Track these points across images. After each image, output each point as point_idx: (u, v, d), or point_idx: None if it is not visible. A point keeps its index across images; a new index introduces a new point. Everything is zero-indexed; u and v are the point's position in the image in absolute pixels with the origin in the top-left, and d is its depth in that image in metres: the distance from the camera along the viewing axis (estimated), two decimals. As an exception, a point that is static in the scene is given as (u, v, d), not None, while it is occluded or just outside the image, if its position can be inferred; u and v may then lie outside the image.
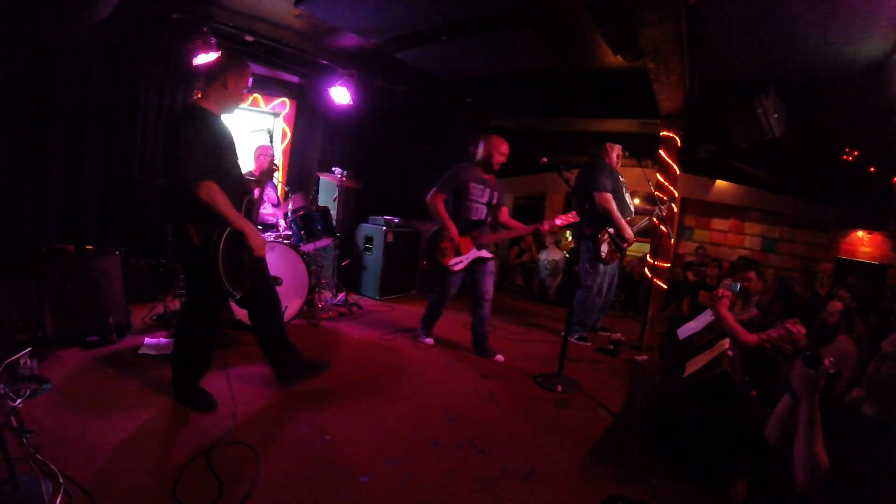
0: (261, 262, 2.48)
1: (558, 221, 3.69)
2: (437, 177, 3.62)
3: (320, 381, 2.98)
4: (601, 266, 4.22)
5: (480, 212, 3.64)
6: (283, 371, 2.69)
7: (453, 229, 3.48)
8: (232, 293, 2.25)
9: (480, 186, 3.61)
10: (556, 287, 6.47)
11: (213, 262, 2.14)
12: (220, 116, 2.32)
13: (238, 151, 2.40)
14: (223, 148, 2.25)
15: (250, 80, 2.40)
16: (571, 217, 3.71)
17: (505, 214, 3.82)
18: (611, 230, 4.09)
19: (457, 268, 3.54)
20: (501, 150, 3.61)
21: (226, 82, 2.28)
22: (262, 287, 2.53)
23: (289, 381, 2.69)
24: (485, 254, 3.63)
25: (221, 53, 2.51)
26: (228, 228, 2.17)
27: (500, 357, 3.72)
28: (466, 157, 3.73)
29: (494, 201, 3.70)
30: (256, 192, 2.54)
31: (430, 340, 3.89)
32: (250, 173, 4.45)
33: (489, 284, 3.70)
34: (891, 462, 1.29)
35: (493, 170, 3.65)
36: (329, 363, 2.76)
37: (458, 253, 3.53)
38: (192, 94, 4.72)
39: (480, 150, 3.65)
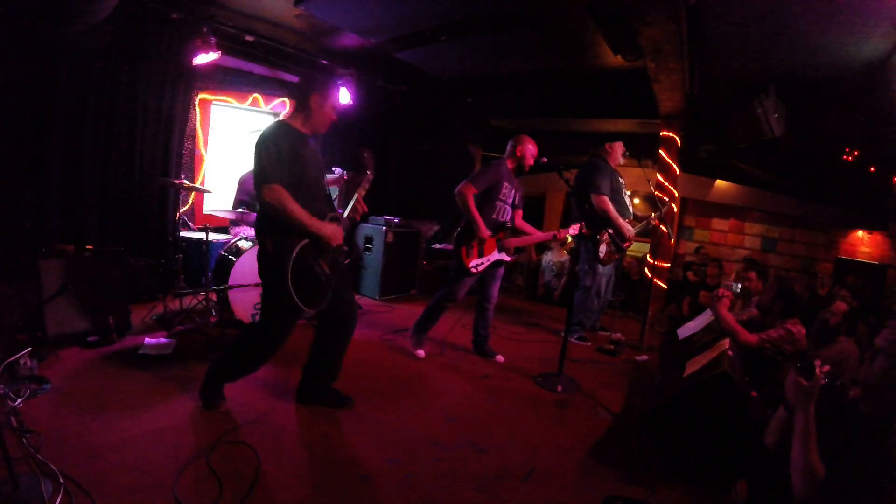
0: (343, 281, 2.46)
1: (572, 231, 3.65)
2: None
3: (320, 381, 2.99)
4: (599, 266, 4.21)
5: (506, 213, 3.52)
6: (311, 391, 2.62)
7: (485, 228, 3.31)
8: (302, 308, 2.17)
9: (510, 186, 3.49)
10: (562, 288, 6.46)
11: (282, 274, 2.10)
12: (306, 134, 2.33)
13: (319, 171, 2.42)
14: (304, 164, 2.24)
15: (337, 100, 2.42)
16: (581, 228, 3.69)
17: (520, 218, 3.70)
18: (610, 231, 4.09)
19: (479, 269, 3.38)
20: (533, 153, 3.49)
21: (309, 105, 2.31)
22: (340, 306, 2.47)
23: (308, 401, 2.63)
24: (505, 257, 3.53)
25: (305, 74, 2.45)
26: (305, 240, 2.15)
27: (500, 357, 3.70)
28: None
29: (517, 202, 3.60)
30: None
31: (421, 352, 3.59)
32: (252, 172, 4.47)
33: (497, 289, 3.66)
34: (887, 461, 1.29)
35: (524, 171, 3.56)
36: (353, 401, 2.66)
37: (481, 254, 3.39)
38: (193, 93, 4.74)
39: (516, 150, 3.50)
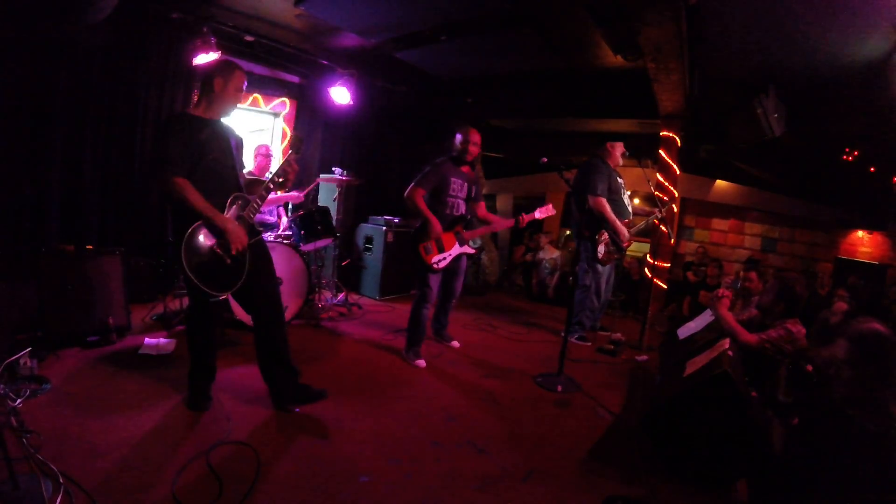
0: (260, 265, 2.45)
1: (538, 214, 3.72)
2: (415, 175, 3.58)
3: (320, 382, 2.98)
4: (598, 266, 4.22)
5: (459, 207, 3.57)
6: (278, 393, 2.57)
7: (437, 225, 3.37)
8: (207, 291, 2.19)
9: (460, 181, 3.54)
10: (554, 286, 6.47)
11: (179, 258, 2.14)
12: (207, 119, 2.33)
13: (235, 153, 2.42)
14: (204, 148, 2.26)
15: (242, 82, 2.41)
16: (550, 210, 3.78)
17: (483, 209, 3.77)
18: (608, 231, 4.10)
19: (441, 265, 3.42)
20: (475, 140, 3.52)
21: (212, 87, 2.33)
22: (259, 291, 2.47)
23: (283, 404, 2.56)
24: (467, 249, 3.58)
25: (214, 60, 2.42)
26: (197, 223, 2.16)
27: (455, 343, 3.90)
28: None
29: (473, 195, 3.64)
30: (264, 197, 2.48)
31: (422, 362, 3.45)
32: (251, 173, 4.47)
33: (460, 284, 3.74)
34: (879, 465, 1.30)
35: (468, 161, 3.58)
36: (326, 393, 2.62)
37: (441, 250, 3.43)
38: (193, 93, 4.73)
39: (456, 143, 3.56)
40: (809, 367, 1.57)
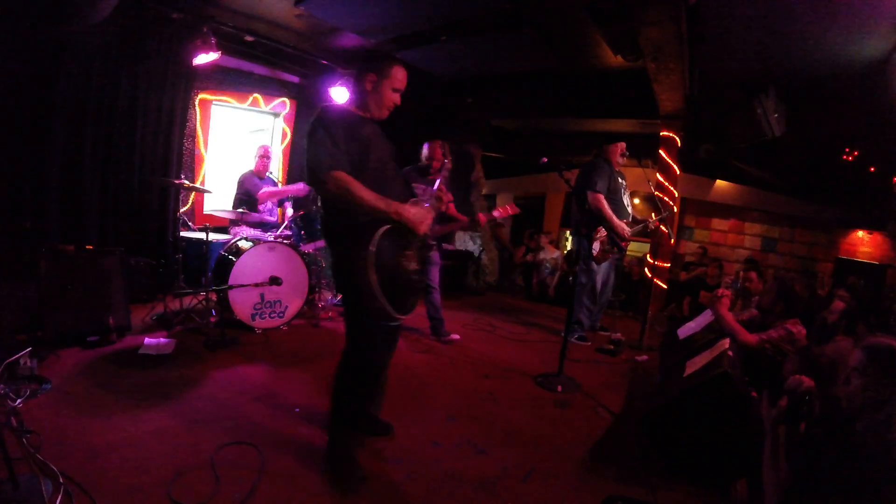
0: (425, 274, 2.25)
1: (496, 214, 3.82)
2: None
3: (320, 382, 2.98)
4: (594, 264, 4.22)
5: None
6: (345, 416, 2.23)
7: None
8: (392, 314, 1.78)
9: (421, 187, 3.54)
10: (554, 286, 6.47)
11: (362, 273, 1.72)
12: (367, 117, 2.07)
13: (389, 161, 2.08)
14: (368, 146, 1.96)
15: (401, 81, 2.14)
16: (510, 209, 3.89)
17: (451, 208, 3.85)
18: (606, 228, 4.10)
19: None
20: (437, 156, 3.69)
21: (364, 85, 2.07)
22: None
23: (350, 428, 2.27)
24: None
25: (367, 53, 2.13)
26: (385, 226, 1.79)
27: (455, 336, 4.03)
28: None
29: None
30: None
31: (456, 336, 4.00)
32: (251, 173, 4.47)
33: (435, 273, 3.93)
34: (879, 466, 1.30)
35: (430, 171, 3.70)
36: (391, 429, 2.39)
37: None
38: (193, 93, 4.73)
39: (421, 155, 3.80)
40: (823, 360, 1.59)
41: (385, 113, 2.12)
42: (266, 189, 4.33)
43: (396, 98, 2.14)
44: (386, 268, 1.76)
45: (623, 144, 4.36)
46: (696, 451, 2.27)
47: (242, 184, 4.41)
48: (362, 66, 2.10)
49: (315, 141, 1.86)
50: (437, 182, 2.22)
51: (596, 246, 4.11)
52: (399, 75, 2.12)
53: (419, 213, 1.88)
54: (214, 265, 3.88)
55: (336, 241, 1.96)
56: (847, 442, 1.41)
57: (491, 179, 7.82)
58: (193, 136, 4.91)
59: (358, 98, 2.11)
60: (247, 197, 4.34)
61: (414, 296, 1.98)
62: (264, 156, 4.49)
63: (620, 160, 4.37)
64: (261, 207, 4.38)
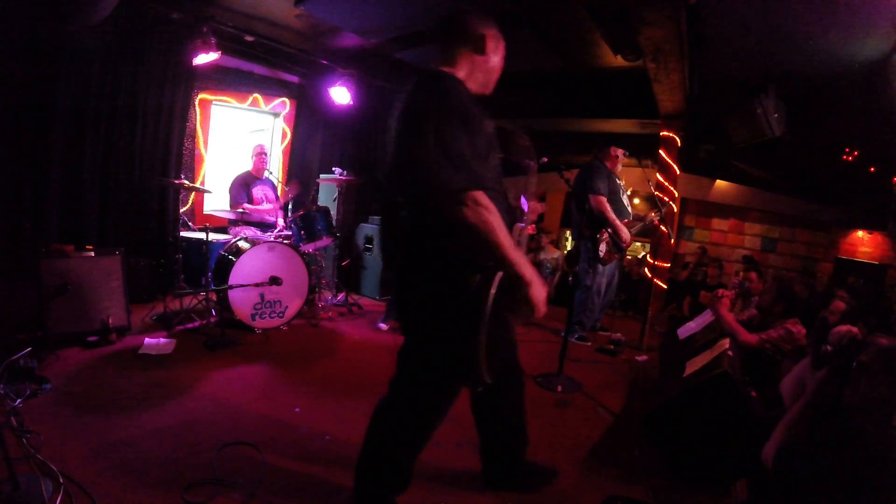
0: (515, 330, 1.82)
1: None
2: None
3: (320, 382, 2.99)
4: (599, 266, 4.22)
5: None
6: (502, 474, 2.03)
7: None
8: (481, 378, 1.40)
9: None
10: (555, 286, 6.47)
11: (471, 326, 1.33)
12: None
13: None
14: (489, 146, 1.47)
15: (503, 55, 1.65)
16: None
17: None
18: (609, 230, 4.10)
19: None
20: None
21: (483, 45, 1.54)
22: (510, 365, 1.84)
23: (505, 487, 2.02)
24: None
25: (467, 11, 1.56)
26: (500, 274, 1.36)
27: None
28: None
29: None
30: (531, 226, 1.74)
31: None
32: (248, 174, 4.47)
33: None
34: (879, 466, 1.30)
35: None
36: (558, 474, 2.12)
37: None
38: (193, 93, 4.73)
39: None
40: (828, 348, 1.62)
41: (488, 93, 1.62)
42: (246, 204, 4.30)
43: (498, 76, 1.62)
44: (495, 322, 1.36)
45: (622, 151, 4.39)
46: (696, 451, 2.27)
47: (230, 190, 4.40)
48: (473, 22, 1.54)
49: (445, 133, 1.31)
50: (527, 214, 1.81)
51: (602, 247, 4.12)
52: (504, 47, 1.63)
53: (542, 293, 1.43)
54: (214, 265, 3.88)
55: (433, 272, 1.43)
56: (847, 438, 1.41)
57: (491, 179, 7.81)
58: (193, 136, 4.91)
59: (468, 66, 1.54)
60: (233, 203, 4.35)
61: (504, 356, 1.64)
62: (261, 153, 4.48)
63: (618, 165, 4.39)
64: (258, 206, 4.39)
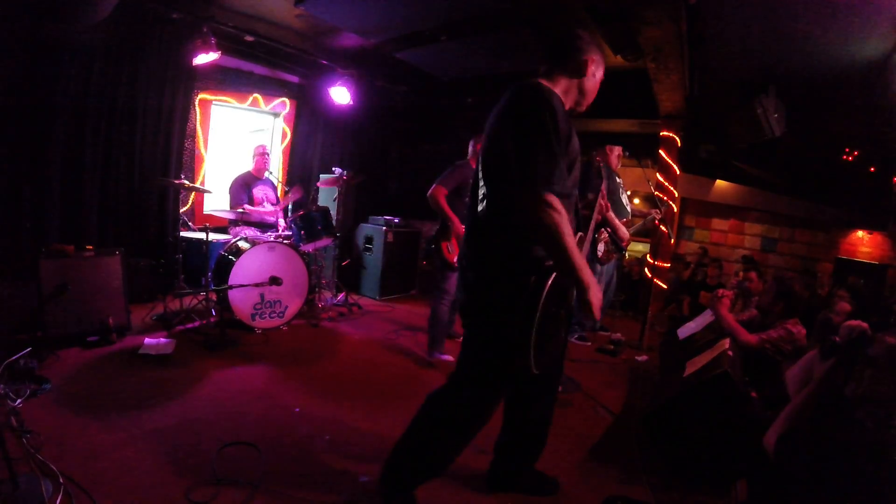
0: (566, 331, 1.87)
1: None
2: (437, 177, 3.58)
3: (320, 382, 2.99)
4: (598, 266, 4.22)
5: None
6: (508, 476, 2.07)
7: (458, 224, 3.37)
8: (531, 367, 1.50)
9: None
10: None
11: (526, 317, 1.44)
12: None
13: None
14: (574, 158, 1.58)
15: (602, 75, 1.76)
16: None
17: None
18: (608, 230, 4.10)
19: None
20: None
21: (584, 70, 1.66)
22: (554, 369, 1.95)
23: (504, 488, 2.07)
24: None
25: (577, 32, 1.71)
26: (554, 274, 1.48)
27: (448, 357, 3.55)
28: (466, 158, 3.70)
29: None
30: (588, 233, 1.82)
31: (448, 357, 3.49)
32: (249, 174, 4.47)
33: (452, 278, 3.70)
34: (880, 465, 1.30)
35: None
36: (558, 486, 2.13)
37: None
38: (193, 93, 4.73)
39: (478, 148, 3.56)
40: (836, 339, 1.64)
41: (581, 111, 1.76)
42: (246, 206, 4.29)
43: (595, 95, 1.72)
44: (547, 317, 1.49)
45: (619, 148, 4.38)
46: (696, 451, 2.27)
47: (230, 190, 4.39)
48: (581, 43, 1.67)
49: (537, 136, 1.42)
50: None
51: (601, 247, 4.11)
52: (604, 67, 1.74)
53: (599, 296, 1.50)
54: (214, 265, 3.88)
55: (500, 263, 1.55)
56: (847, 431, 1.42)
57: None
58: (193, 136, 4.91)
59: (569, 82, 1.66)
60: (233, 203, 4.35)
61: (552, 353, 1.69)
62: (262, 154, 4.47)
63: (616, 164, 4.39)
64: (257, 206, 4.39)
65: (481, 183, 1.61)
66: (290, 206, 4.74)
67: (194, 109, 4.85)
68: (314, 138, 6.05)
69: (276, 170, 5.54)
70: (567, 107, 1.65)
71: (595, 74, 1.70)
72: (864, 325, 1.75)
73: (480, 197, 1.61)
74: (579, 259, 1.44)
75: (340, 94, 5.31)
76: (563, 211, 1.41)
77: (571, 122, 1.55)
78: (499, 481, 2.08)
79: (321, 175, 5.55)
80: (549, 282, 1.45)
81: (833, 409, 1.54)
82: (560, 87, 1.65)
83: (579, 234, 1.69)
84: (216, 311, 3.65)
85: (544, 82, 1.61)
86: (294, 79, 5.73)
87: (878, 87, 4.13)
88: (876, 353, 1.50)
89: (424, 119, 7.01)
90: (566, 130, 1.48)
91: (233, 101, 5.23)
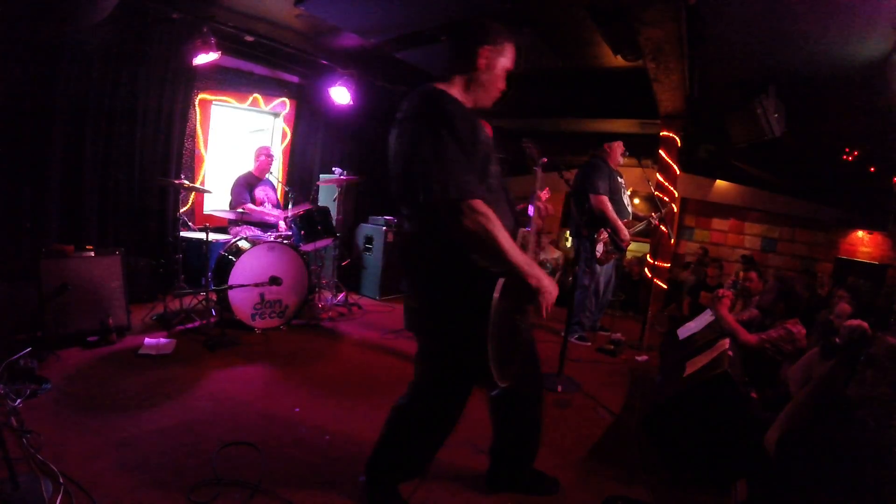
0: (531, 332, 1.83)
1: (543, 198, 3.68)
2: None
3: (320, 382, 2.99)
4: (597, 266, 4.21)
5: None
6: (504, 476, 2.05)
7: None
8: (495, 381, 1.46)
9: None
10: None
11: (478, 332, 1.39)
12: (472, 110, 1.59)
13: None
14: (487, 154, 1.53)
15: (512, 58, 1.67)
16: (547, 191, 3.72)
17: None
18: (608, 230, 4.09)
19: None
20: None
21: (474, 63, 1.59)
22: (529, 368, 1.84)
23: (502, 488, 2.06)
24: None
25: (473, 23, 1.64)
26: (502, 280, 1.42)
27: None
28: None
29: None
30: (531, 228, 1.75)
31: None
32: (250, 174, 4.47)
33: None
34: (880, 465, 1.30)
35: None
36: (559, 485, 2.10)
37: None
38: (193, 93, 4.73)
39: None
40: (837, 340, 1.64)
41: (490, 104, 1.65)
42: (249, 205, 4.29)
43: (504, 83, 1.65)
44: (502, 324, 1.43)
45: (621, 143, 4.35)
46: (696, 451, 2.27)
47: (232, 190, 4.39)
48: (470, 38, 1.60)
49: (438, 146, 1.38)
50: (533, 219, 1.82)
51: (599, 248, 4.10)
52: (512, 52, 1.65)
53: (553, 290, 1.47)
54: (214, 265, 3.88)
55: (439, 278, 1.51)
56: (848, 430, 1.42)
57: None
58: (193, 136, 4.91)
59: (463, 81, 1.59)
60: (235, 203, 4.34)
61: (517, 359, 1.61)
62: (268, 155, 4.46)
63: (620, 160, 4.36)
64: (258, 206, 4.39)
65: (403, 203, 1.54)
66: (290, 206, 4.75)
67: (194, 109, 4.85)
68: (314, 138, 6.05)
69: (276, 170, 5.53)
70: (470, 104, 1.59)
71: (492, 66, 1.60)
72: (865, 324, 1.75)
73: (406, 216, 1.56)
74: (520, 257, 1.40)
75: (340, 94, 5.31)
76: (489, 212, 1.37)
77: (475, 117, 1.51)
78: (497, 482, 2.07)
79: (321, 175, 5.55)
80: (498, 290, 1.39)
81: (834, 409, 1.54)
82: (457, 87, 1.59)
83: (521, 230, 1.62)
84: (216, 311, 3.65)
85: (440, 86, 1.57)
86: (294, 79, 5.73)
87: (878, 87, 4.13)
88: (876, 352, 1.50)
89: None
90: (467, 130, 1.43)
91: (233, 101, 5.22)
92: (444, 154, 1.37)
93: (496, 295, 1.38)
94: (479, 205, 1.37)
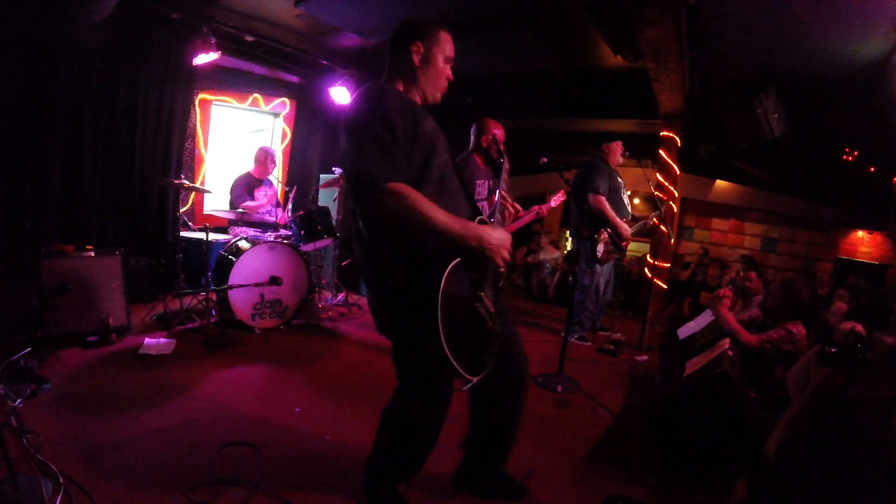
0: (507, 326, 1.72)
1: (553, 203, 3.67)
2: None
3: (320, 382, 2.99)
4: (598, 266, 4.21)
5: (483, 210, 3.48)
6: (474, 475, 2.01)
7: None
8: (460, 372, 1.39)
9: (482, 182, 3.19)
10: (554, 286, 6.47)
11: (427, 320, 1.34)
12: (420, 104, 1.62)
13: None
14: (436, 145, 1.53)
15: (451, 48, 1.68)
16: (561, 195, 3.74)
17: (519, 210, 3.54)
18: (608, 230, 4.09)
19: None
20: (501, 137, 3.08)
21: (408, 58, 1.60)
22: (508, 357, 1.72)
23: (470, 487, 2.01)
24: None
25: (401, 24, 1.68)
26: (455, 259, 1.40)
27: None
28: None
29: (494, 188, 3.29)
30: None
31: None
32: (250, 175, 4.47)
33: None
34: (880, 465, 1.30)
35: (493, 158, 3.15)
36: (527, 492, 2.03)
37: None
38: (193, 93, 4.73)
39: (482, 141, 3.19)
40: (832, 350, 1.64)
41: (439, 95, 1.68)
42: (249, 203, 4.29)
43: (449, 72, 1.67)
44: (457, 315, 1.39)
45: (621, 143, 4.34)
46: (696, 451, 2.27)
47: (232, 191, 4.39)
48: (400, 37, 1.63)
49: (362, 138, 1.40)
50: (499, 191, 1.84)
51: (600, 248, 4.10)
52: (448, 40, 1.66)
53: (502, 239, 1.45)
54: (214, 265, 3.88)
55: (385, 274, 1.49)
56: (849, 434, 1.42)
57: (491, 179, 7.82)
58: (193, 136, 4.91)
59: (404, 80, 1.62)
60: (234, 204, 4.34)
61: (490, 351, 1.54)
62: (270, 156, 4.44)
63: (619, 160, 4.35)
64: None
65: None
66: (290, 206, 4.75)
67: (194, 109, 4.85)
68: (314, 138, 6.05)
69: (275, 170, 5.54)
70: (419, 101, 1.62)
71: (428, 59, 1.61)
72: (860, 327, 1.75)
73: (356, 214, 1.55)
74: (455, 224, 1.38)
75: (340, 94, 5.31)
76: (411, 192, 1.36)
77: (419, 111, 1.53)
78: (463, 480, 2.02)
79: (321, 175, 5.55)
80: (444, 277, 1.35)
81: (834, 413, 1.54)
82: (400, 84, 1.62)
83: (482, 220, 1.56)
84: (216, 311, 3.64)
85: (383, 82, 1.62)
86: (294, 79, 5.73)
87: (878, 87, 4.13)
88: (874, 354, 1.50)
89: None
90: (402, 121, 1.43)
91: (233, 101, 5.22)
92: (362, 145, 1.39)
93: (441, 282, 1.35)
94: (399, 187, 1.36)
